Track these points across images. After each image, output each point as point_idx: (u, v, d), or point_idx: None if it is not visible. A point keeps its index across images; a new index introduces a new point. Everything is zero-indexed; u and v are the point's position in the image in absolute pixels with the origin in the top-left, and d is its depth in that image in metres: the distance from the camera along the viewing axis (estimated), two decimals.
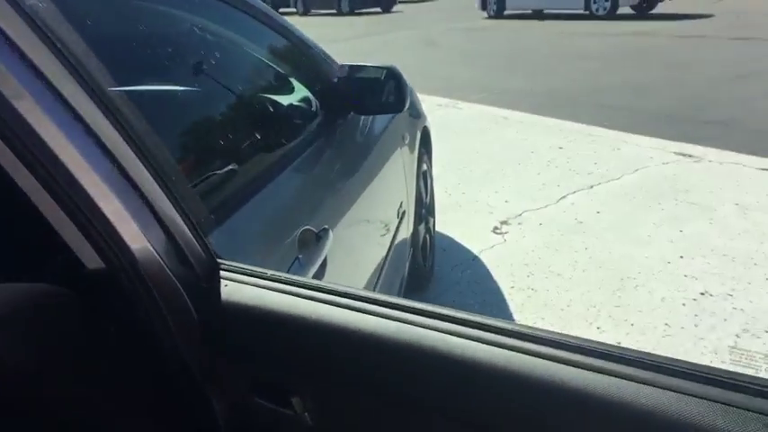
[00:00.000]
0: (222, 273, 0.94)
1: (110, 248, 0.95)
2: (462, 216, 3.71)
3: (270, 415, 0.91)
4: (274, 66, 2.01)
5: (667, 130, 4.91)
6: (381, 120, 2.37)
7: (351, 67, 2.00)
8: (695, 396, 0.50)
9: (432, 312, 0.73)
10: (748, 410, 0.48)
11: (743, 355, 2.07)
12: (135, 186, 0.95)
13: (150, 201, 0.93)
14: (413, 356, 0.70)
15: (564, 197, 3.82)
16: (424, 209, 3.05)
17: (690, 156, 4.35)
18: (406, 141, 2.71)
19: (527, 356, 0.62)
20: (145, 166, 0.92)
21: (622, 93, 6.48)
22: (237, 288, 0.91)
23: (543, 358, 0.61)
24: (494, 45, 11.20)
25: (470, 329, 0.69)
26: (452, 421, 0.69)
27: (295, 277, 0.90)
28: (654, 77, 7.11)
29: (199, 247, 0.93)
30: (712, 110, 5.53)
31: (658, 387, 0.52)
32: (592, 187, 3.94)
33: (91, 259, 1.01)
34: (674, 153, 4.43)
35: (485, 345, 0.66)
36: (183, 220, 0.93)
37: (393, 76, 1.93)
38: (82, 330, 1.13)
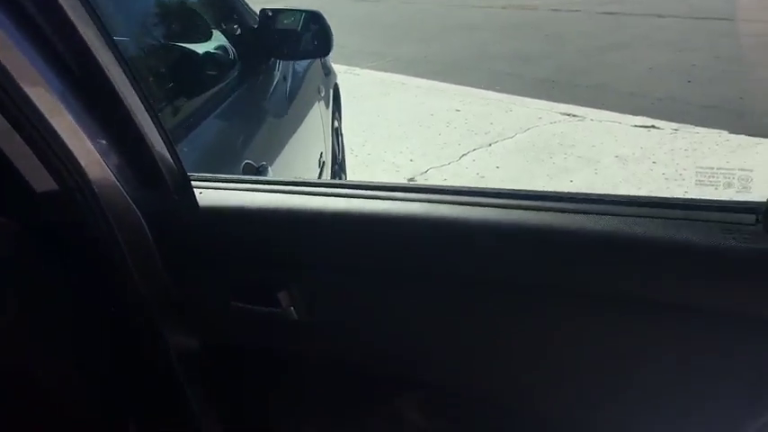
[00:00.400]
0: (193, 183, 0.95)
1: (65, 169, 0.93)
2: (370, 174, 3.80)
3: (252, 316, 0.94)
4: (193, 11, 1.96)
5: (552, 94, 5.28)
6: (300, 71, 2.38)
7: (273, 11, 1.99)
8: (663, 218, 0.62)
9: (403, 187, 0.80)
10: (710, 221, 0.59)
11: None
12: (95, 102, 0.92)
13: (116, 114, 0.90)
14: (398, 230, 0.77)
15: (465, 155, 4.02)
16: (338, 165, 3.09)
17: (574, 115, 4.72)
18: (322, 95, 2.73)
19: (505, 210, 0.70)
20: (110, 79, 0.89)
21: (510, 60, 6.84)
22: (211, 194, 0.92)
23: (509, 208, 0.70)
24: (384, 15, 11.29)
25: (441, 195, 0.77)
26: (442, 283, 0.77)
27: (263, 178, 0.93)
28: (537, 47, 7.55)
29: (171, 160, 0.93)
30: (588, 76, 6.00)
31: (629, 216, 0.63)
32: (490, 145, 4.18)
33: (42, 182, 0.97)
34: (560, 113, 4.79)
35: (456, 206, 0.74)
36: (153, 133, 0.91)
37: (316, 20, 1.94)
38: (33, 262, 1.08)
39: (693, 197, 0.65)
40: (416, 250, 0.76)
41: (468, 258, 0.72)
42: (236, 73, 1.90)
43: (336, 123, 3.21)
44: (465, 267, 0.73)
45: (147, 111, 0.87)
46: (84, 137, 0.92)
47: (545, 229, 0.66)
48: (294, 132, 2.03)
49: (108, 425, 1.29)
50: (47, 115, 0.87)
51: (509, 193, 0.74)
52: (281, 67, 2.15)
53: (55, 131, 0.89)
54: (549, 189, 3.13)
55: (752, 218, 0.58)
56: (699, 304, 0.59)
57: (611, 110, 4.74)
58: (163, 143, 0.90)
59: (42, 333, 1.14)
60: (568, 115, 4.74)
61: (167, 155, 0.91)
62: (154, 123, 0.89)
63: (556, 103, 5.00)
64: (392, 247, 0.77)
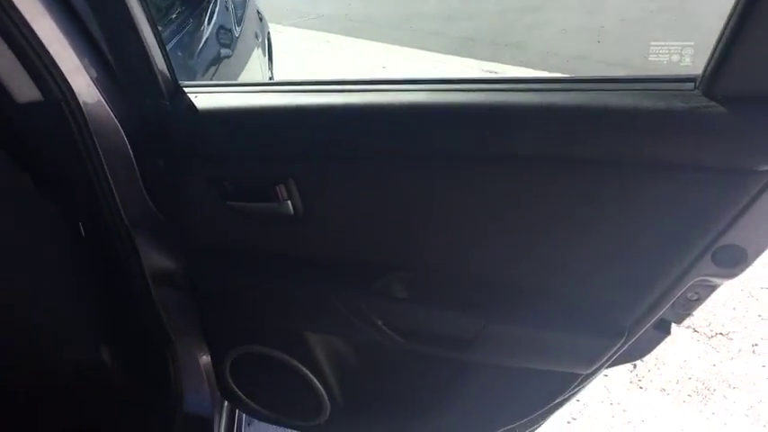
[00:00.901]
0: (186, 89, 0.98)
1: (48, 76, 0.93)
2: None
3: (248, 213, 0.99)
4: None
5: (474, 52, 5.47)
6: (240, 13, 2.37)
7: None
8: (623, 90, 0.75)
9: (399, 80, 0.87)
10: (661, 90, 0.73)
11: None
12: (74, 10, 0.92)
13: (108, 17, 0.91)
14: (396, 117, 0.84)
15: None
16: None
17: (495, 72, 4.93)
18: (259, 40, 2.73)
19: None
20: None
21: (432, 20, 6.96)
22: (204, 98, 0.96)
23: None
24: None
25: (439, 85, 0.85)
26: (442, 163, 0.85)
27: (258, 80, 0.98)
28: (457, 7, 7.71)
29: (165, 65, 0.96)
30: (507, 35, 6.23)
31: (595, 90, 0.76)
32: None
33: (23, 90, 0.97)
34: (484, 71, 4.98)
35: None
36: (146, 36, 0.92)
37: None
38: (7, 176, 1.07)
39: (645, 74, 0.78)
40: (415, 135, 0.84)
41: (468, 137, 0.82)
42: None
43: (270, 73, 3.21)
44: (464, 147, 0.82)
45: (141, 13, 0.88)
46: (67, 44, 0.93)
47: (534, 106, 0.77)
48: (241, 70, 2.04)
49: (84, 345, 1.30)
50: (28, 18, 0.87)
51: (499, 80, 0.84)
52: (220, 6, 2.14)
53: (37, 37, 0.89)
54: None
55: (691, 85, 0.72)
56: (653, 159, 0.73)
57: (530, 67, 4.97)
58: (157, 47, 0.93)
59: (16, 249, 1.13)
60: (492, 72, 4.93)
61: (161, 59, 0.94)
62: (149, 23, 0.91)
63: (478, 61, 5.19)
64: (391, 132, 0.85)
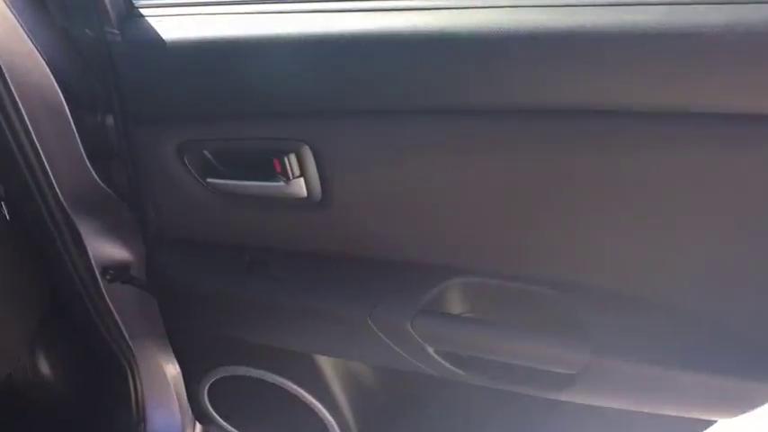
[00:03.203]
0: (144, 12, 0.66)
1: None
2: None
3: (235, 194, 0.69)
4: None
5: None
6: None
7: None
8: None
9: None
10: None
11: None
12: None
13: None
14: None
15: None
16: None
17: None
18: None
19: None
20: None
21: None
22: (173, 23, 0.65)
23: None
24: None
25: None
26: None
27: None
28: None
29: None
30: None
31: None
32: None
33: None
34: None
35: None
36: None
37: None
38: None
39: None
40: (497, 79, 0.56)
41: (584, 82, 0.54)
42: None
43: None
44: (572, 95, 0.54)
45: None
46: None
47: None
48: None
49: (14, 356, 1.01)
50: None
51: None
52: None
53: None
54: None
55: None
56: None
57: None
58: None
59: None
60: None
61: None
62: None
63: None
64: (454, 74, 0.57)
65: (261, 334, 0.79)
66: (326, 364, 0.83)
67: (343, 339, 0.74)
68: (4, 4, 0.68)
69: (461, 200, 0.62)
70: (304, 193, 0.65)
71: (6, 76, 0.68)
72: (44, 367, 1.06)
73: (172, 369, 1.05)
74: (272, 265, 0.73)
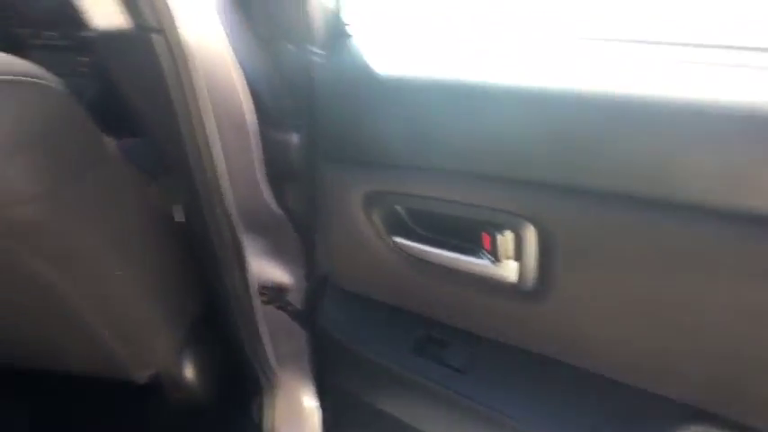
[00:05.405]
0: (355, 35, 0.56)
1: None
2: None
3: (425, 262, 0.57)
4: None
5: None
6: None
7: None
8: None
9: None
10: None
11: None
12: None
13: None
14: None
15: None
16: None
17: None
18: None
19: None
20: None
21: None
22: (389, 51, 0.54)
23: None
24: None
25: None
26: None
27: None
28: None
29: None
30: None
31: None
32: None
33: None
34: None
35: None
36: None
37: None
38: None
39: None
40: None
41: None
42: None
43: None
44: None
45: None
46: None
47: None
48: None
49: (164, 355, 0.99)
50: None
51: None
52: None
53: None
54: None
55: None
56: None
57: None
58: None
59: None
60: None
61: None
62: None
63: None
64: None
65: (420, 421, 0.67)
66: None
67: None
68: (214, 9, 0.62)
69: (722, 322, 0.45)
70: (514, 278, 0.52)
71: (196, 84, 0.62)
72: (189, 372, 1.05)
73: (310, 403, 0.98)
74: (450, 349, 0.60)
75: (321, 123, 0.59)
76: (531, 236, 0.50)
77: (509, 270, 0.52)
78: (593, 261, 0.49)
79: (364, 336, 0.67)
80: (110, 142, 0.75)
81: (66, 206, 0.58)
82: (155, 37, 0.59)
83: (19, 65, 0.49)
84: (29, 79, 0.49)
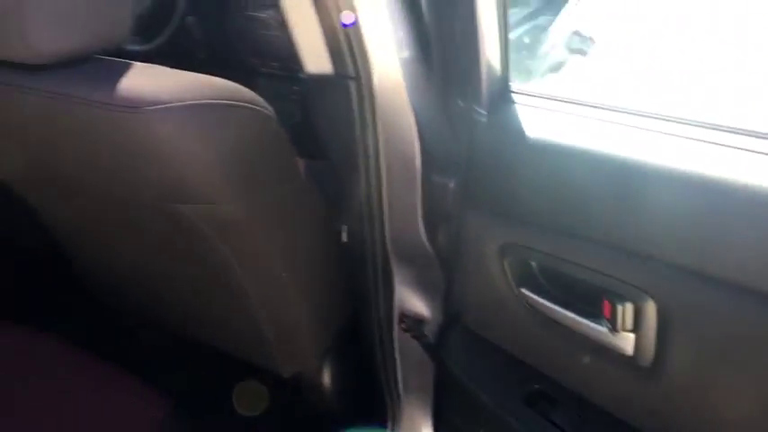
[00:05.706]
0: (519, 100, 0.62)
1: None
2: None
3: (547, 317, 0.59)
4: None
5: None
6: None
7: None
8: None
9: None
10: None
11: None
12: None
13: None
14: None
15: None
16: None
17: None
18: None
19: None
20: None
21: None
22: (545, 119, 0.59)
23: None
24: None
25: None
26: None
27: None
28: None
29: (499, 63, 0.61)
30: None
31: None
32: None
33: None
34: None
35: None
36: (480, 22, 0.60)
37: None
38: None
39: None
40: None
41: None
42: None
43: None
44: None
45: None
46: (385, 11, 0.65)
47: None
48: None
49: (309, 360, 1.09)
50: None
51: None
52: None
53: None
54: None
55: None
56: None
57: None
58: (497, 34, 0.59)
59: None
60: None
61: (497, 51, 0.60)
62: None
63: None
64: None
65: None
66: None
67: None
68: (400, 64, 0.72)
69: None
70: (630, 351, 0.52)
71: (378, 126, 0.72)
72: (326, 376, 1.14)
73: None
74: (561, 409, 0.61)
75: (474, 175, 0.66)
76: (650, 311, 0.50)
77: (626, 341, 0.52)
78: (713, 347, 0.48)
79: (482, 378, 0.71)
80: (301, 163, 0.88)
81: (255, 211, 0.71)
82: (350, 83, 0.71)
83: (239, 91, 0.63)
84: (245, 104, 0.62)
